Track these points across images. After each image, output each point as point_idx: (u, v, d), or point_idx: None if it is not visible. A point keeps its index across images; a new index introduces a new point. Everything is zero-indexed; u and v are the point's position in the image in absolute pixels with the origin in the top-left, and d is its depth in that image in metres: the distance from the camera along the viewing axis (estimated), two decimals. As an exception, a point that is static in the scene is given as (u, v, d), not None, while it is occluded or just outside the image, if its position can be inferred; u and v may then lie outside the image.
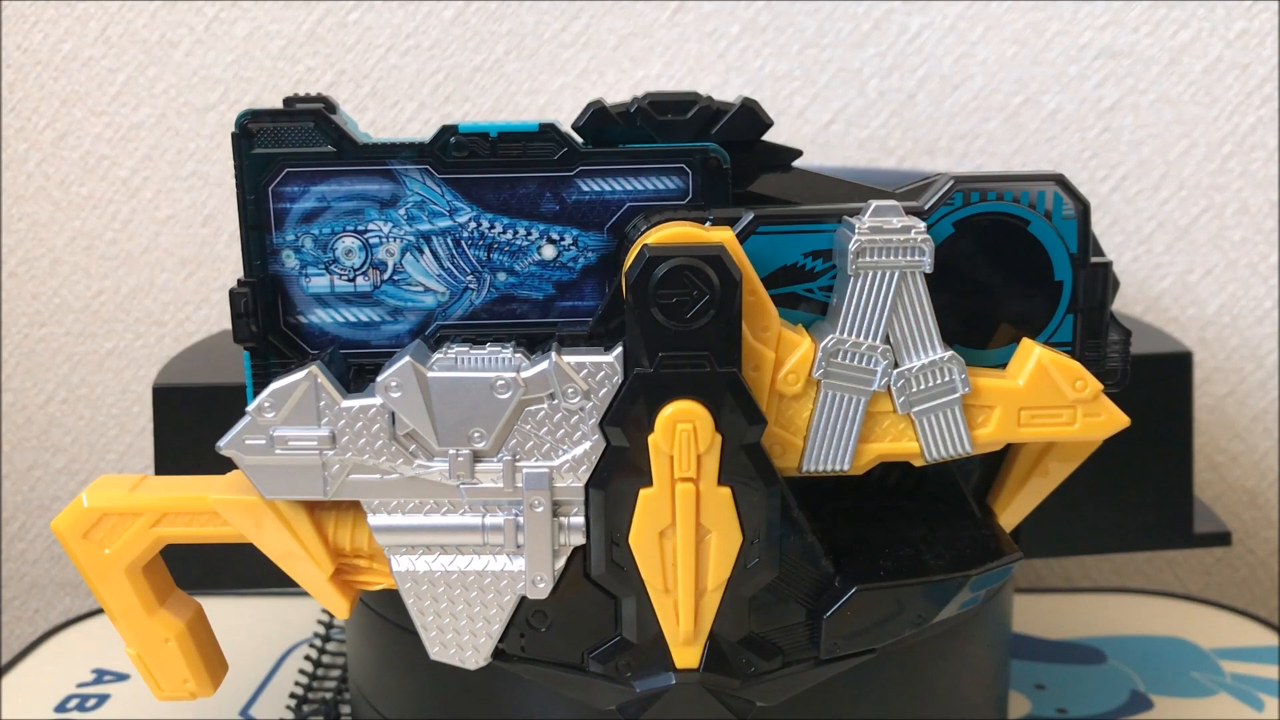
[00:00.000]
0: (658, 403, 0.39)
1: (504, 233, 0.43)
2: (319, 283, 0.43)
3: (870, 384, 0.41)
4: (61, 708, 0.60)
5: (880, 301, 0.40)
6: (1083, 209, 0.42)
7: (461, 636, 0.43)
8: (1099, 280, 0.42)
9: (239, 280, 0.43)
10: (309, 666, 0.63)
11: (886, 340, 0.40)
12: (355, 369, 0.44)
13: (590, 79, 0.78)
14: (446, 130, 0.42)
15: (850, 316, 0.40)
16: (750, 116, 0.43)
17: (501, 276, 0.43)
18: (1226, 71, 0.76)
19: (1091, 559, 0.81)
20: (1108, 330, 0.43)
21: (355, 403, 0.41)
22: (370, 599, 0.51)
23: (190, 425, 0.56)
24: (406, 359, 0.40)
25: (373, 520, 0.42)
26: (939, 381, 0.41)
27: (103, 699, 0.61)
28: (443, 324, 0.44)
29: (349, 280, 0.43)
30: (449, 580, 0.42)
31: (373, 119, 0.79)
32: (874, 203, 0.40)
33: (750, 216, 0.41)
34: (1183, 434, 0.59)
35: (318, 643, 0.65)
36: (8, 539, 0.85)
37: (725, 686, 0.42)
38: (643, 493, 0.40)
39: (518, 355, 0.41)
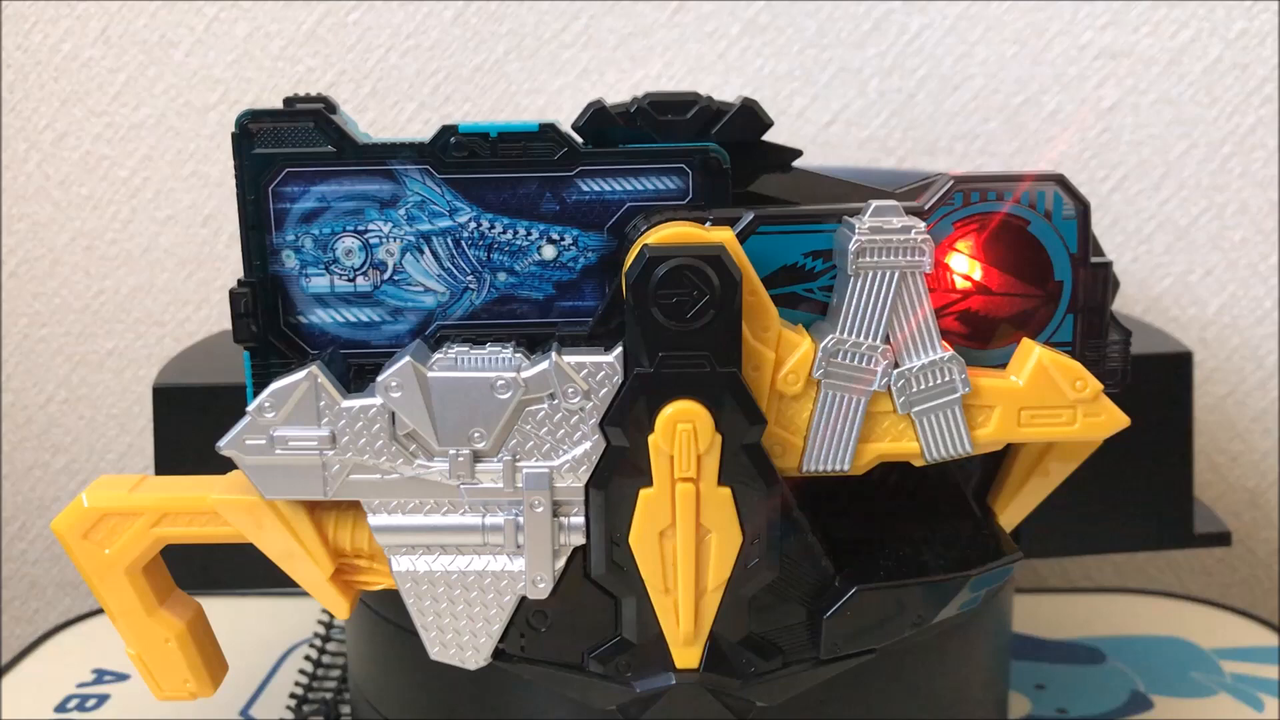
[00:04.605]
0: (658, 403, 0.39)
1: (504, 233, 0.43)
2: (319, 283, 0.43)
3: (870, 384, 0.41)
4: (61, 708, 0.60)
5: (880, 301, 0.40)
6: (1083, 209, 0.42)
7: (461, 636, 0.43)
8: (1099, 280, 0.42)
9: (239, 280, 0.43)
10: (309, 666, 0.63)
11: (886, 340, 0.40)
12: (355, 369, 0.44)
13: (590, 79, 0.78)
14: (446, 130, 0.42)
15: (850, 316, 0.40)
16: (750, 116, 0.43)
17: (501, 276, 0.43)
18: (1226, 71, 0.76)
19: (1091, 559, 0.81)
20: (1108, 330, 0.43)
21: (355, 403, 0.41)
22: (370, 599, 0.51)
23: (190, 425, 0.56)
24: (406, 359, 0.40)
25: (373, 520, 0.42)
26: (939, 381, 0.41)
27: (103, 699, 0.61)
28: (443, 324, 0.44)
29: (349, 280, 0.43)
30: (449, 580, 0.42)
31: (373, 119, 0.79)
32: (874, 203, 0.40)
33: (750, 216, 0.41)
34: (1183, 434, 0.59)
35: (318, 643, 0.65)
36: (8, 539, 0.85)
37: (725, 686, 0.42)
38: (643, 493, 0.40)
39: (518, 355, 0.41)
